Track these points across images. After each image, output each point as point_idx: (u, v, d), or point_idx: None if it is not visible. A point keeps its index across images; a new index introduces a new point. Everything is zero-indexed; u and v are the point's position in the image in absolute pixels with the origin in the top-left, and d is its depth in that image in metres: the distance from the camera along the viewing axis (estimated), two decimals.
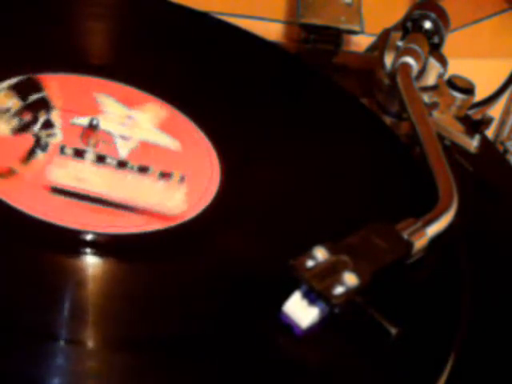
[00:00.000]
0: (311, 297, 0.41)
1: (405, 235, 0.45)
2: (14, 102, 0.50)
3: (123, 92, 0.54)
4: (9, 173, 0.46)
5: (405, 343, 0.43)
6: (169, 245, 0.46)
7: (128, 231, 0.45)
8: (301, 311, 0.41)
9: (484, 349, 0.49)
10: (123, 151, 0.50)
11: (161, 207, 0.47)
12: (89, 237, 0.44)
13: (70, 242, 0.44)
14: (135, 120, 0.52)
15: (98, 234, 0.44)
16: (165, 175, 0.49)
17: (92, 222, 0.45)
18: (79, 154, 0.48)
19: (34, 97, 0.51)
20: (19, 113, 0.50)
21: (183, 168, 0.50)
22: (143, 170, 0.49)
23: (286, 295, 0.41)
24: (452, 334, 0.45)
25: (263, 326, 0.42)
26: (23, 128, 0.49)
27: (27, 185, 0.46)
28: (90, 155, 0.48)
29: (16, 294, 0.40)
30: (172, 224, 0.46)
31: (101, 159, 0.48)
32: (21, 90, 0.51)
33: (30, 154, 0.48)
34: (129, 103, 0.53)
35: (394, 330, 0.41)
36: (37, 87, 0.52)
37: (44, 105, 0.51)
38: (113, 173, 0.48)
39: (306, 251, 0.41)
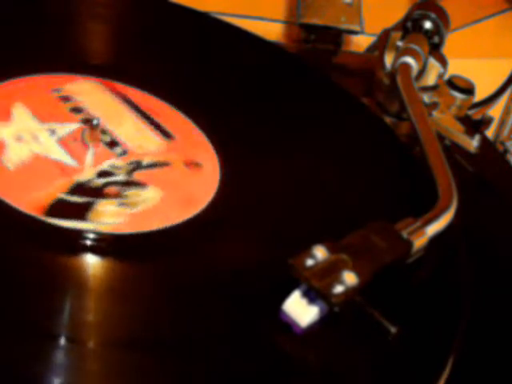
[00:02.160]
0: (311, 296, 0.41)
1: (404, 234, 0.45)
2: None
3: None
4: None
5: (404, 343, 0.43)
6: (169, 245, 0.46)
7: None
8: (300, 310, 0.41)
9: (484, 349, 0.49)
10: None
11: None
12: (89, 237, 0.44)
13: (71, 242, 0.44)
14: None
15: (98, 234, 0.44)
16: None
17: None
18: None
19: None
20: None
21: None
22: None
23: (286, 294, 0.41)
24: (452, 334, 0.45)
25: (263, 324, 0.42)
26: None
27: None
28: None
29: (16, 294, 0.40)
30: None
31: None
32: None
33: None
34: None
35: (393, 329, 0.41)
36: None
37: None
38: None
39: (306, 250, 0.41)
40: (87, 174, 0.48)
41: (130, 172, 0.49)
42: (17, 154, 0.48)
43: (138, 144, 0.51)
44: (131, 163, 0.49)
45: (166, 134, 0.53)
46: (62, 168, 0.48)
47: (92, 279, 0.43)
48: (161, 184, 0.49)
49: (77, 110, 0.52)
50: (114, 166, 0.49)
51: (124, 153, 0.50)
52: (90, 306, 0.41)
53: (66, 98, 0.53)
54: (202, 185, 0.50)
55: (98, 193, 0.47)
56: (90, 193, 0.47)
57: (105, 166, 0.49)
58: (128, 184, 0.48)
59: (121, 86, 0.55)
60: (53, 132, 0.50)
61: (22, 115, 0.50)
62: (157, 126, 0.53)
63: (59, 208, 0.45)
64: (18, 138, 0.49)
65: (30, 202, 0.45)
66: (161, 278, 0.44)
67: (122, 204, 0.46)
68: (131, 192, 0.47)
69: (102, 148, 0.50)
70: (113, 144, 0.50)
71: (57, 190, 0.46)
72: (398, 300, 0.45)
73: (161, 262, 0.45)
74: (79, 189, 0.47)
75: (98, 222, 0.45)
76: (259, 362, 0.41)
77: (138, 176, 0.49)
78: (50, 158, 0.48)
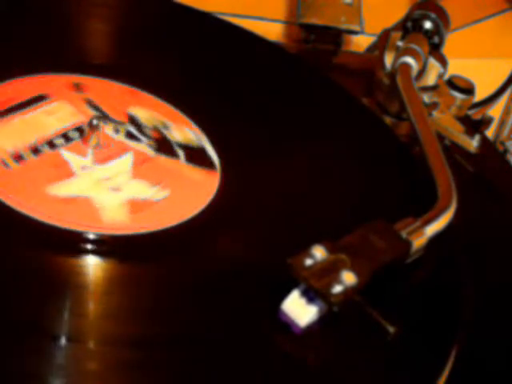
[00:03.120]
0: (310, 295, 0.41)
1: (403, 234, 0.45)
2: None
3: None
4: None
5: (404, 343, 0.43)
6: (169, 245, 0.46)
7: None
8: (299, 310, 0.41)
9: (484, 349, 0.49)
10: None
11: None
12: (89, 237, 0.44)
13: (71, 242, 0.44)
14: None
15: (98, 235, 0.44)
16: None
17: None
18: None
19: None
20: None
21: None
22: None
23: (285, 294, 0.41)
24: (451, 334, 0.45)
25: (262, 324, 0.42)
26: None
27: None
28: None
29: (16, 294, 0.41)
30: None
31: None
32: None
33: None
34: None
35: (392, 329, 0.41)
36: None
37: None
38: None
39: (305, 250, 0.41)
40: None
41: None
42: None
43: None
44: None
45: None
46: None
47: (92, 279, 0.43)
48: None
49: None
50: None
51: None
52: (90, 306, 0.41)
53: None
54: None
55: None
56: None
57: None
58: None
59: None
60: None
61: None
62: None
63: None
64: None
65: None
66: (160, 279, 0.44)
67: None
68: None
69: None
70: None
71: None
72: (398, 300, 0.45)
73: (160, 263, 0.45)
74: None
75: None
76: (258, 361, 0.41)
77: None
78: None
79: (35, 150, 0.48)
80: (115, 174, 0.49)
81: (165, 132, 0.53)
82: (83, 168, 0.48)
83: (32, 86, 0.53)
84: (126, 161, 0.50)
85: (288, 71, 0.63)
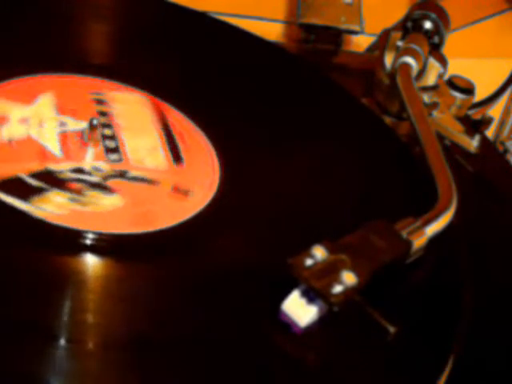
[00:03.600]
0: (310, 295, 0.41)
1: (404, 234, 0.45)
2: None
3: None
4: None
5: (404, 343, 0.43)
6: (169, 245, 0.46)
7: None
8: (299, 310, 0.41)
9: (484, 349, 0.49)
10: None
11: None
12: (89, 237, 0.44)
13: (71, 242, 0.44)
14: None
15: (98, 234, 0.44)
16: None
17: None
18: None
19: None
20: None
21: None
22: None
23: (285, 294, 0.41)
24: (451, 334, 0.45)
25: (262, 324, 0.42)
26: None
27: None
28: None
29: (16, 294, 0.41)
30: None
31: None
32: None
33: None
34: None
35: (392, 329, 0.41)
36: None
37: None
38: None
39: (305, 250, 0.41)
40: (62, 166, 0.47)
41: (106, 177, 0.48)
42: (11, 132, 0.48)
43: (139, 158, 0.50)
44: (117, 171, 0.49)
45: (176, 158, 0.52)
46: (44, 155, 0.48)
47: (92, 279, 0.43)
48: (129, 197, 0.48)
49: (102, 113, 0.52)
50: (96, 168, 0.48)
51: (118, 160, 0.49)
52: (90, 307, 0.41)
53: (100, 102, 0.53)
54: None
55: (59, 183, 0.46)
56: (51, 181, 0.46)
57: (87, 165, 0.48)
58: (95, 186, 0.47)
59: (165, 106, 0.55)
60: (62, 124, 0.50)
61: (44, 103, 0.51)
62: (173, 149, 0.52)
63: (12, 185, 0.45)
64: (23, 121, 0.49)
65: None
66: (160, 279, 0.44)
67: (73, 199, 0.46)
68: (92, 193, 0.47)
69: (101, 150, 0.50)
70: (113, 150, 0.50)
71: (22, 169, 0.46)
72: (398, 300, 0.45)
73: (160, 262, 0.45)
74: (44, 175, 0.46)
75: (36, 206, 0.44)
76: (258, 361, 0.41)
77: (112, 183, 0.48)
78: (39, 143, 0.48)
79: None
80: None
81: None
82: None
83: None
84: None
85: (288, 71, 0.63)
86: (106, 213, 0.46)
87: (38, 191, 0.45)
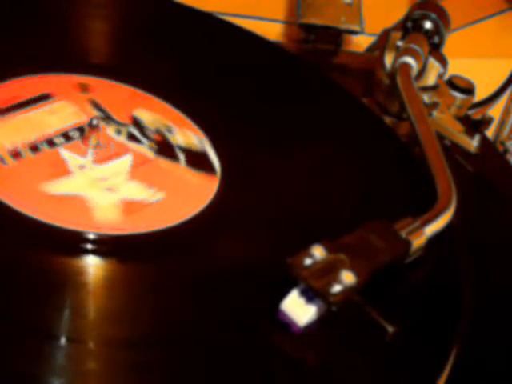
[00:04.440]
0: (309, 295, 0.41)
1: (403, 234, 0.45)
2: None
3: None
4: None
5: (404, 343, 0.43)
6: (169, 245, 0.46)
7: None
8: (298, 309, 0.41)
9: (484, 348, 0.49)
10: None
11: None
12: (89, 237, 0.44)
13: (71, 242, 0.44)
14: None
15: (98, 235, 0.44)
16: None
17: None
18: None
19: None
20: None
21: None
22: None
23: (284, 294, 0.41)
24: (451, 334, 0.45)
25: (261, 324, 0.42)
26: None
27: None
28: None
29: (16, 294, 0.41)
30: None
31: None
32: None
33: None
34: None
35: (391, 329, 0.41)
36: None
37: None
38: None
39: (304, 249, 0.41)
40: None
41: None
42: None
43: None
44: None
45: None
46: None
47: (91, 280, 0.43)
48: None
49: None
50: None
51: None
52: (90, 306, 0.41)
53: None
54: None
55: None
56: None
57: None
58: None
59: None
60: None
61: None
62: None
63: None
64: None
65: None
66: (160, 279, 0.44)
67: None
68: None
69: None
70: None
71: None
72: (397, 300, 0.45)
73: (159, 263, 0.45)
74: None
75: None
76: (258, 361, 0.41)
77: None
78: None
79: (34, 148, 0.48)
80: (113, 174, 0.49)
81: (167, 135, 0.52)
82: (81, 167, 0.48)
83: (36, 86, 0.53)
84: (124, 162, 0.50)
85: (288, 71, 0.63)
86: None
87: None
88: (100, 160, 0.49)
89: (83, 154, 0.49)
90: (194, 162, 0.51)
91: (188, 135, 0.53)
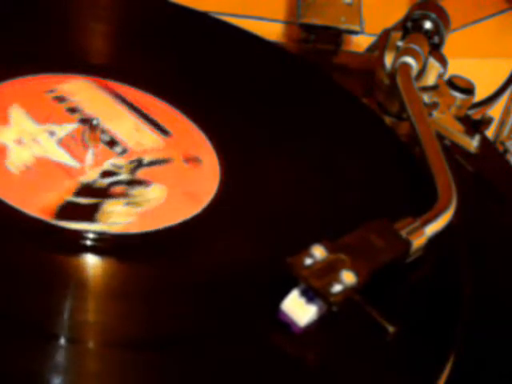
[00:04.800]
0: (309, 295, 0.41)
1: (403, 234, 0.45)
2: None
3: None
4: None
5: (404, 343, 0.43)
6: (169, 244, 0.46)
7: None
8: (299, 309, 0.41)
9: (484, 348, 0.49)
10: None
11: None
12: (89, 237, 0.44)
13: (71, 241, 0.44)
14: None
15: (98, 234, 0.44)
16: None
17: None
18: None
19: None
20: None
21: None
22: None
23: (284, 293, 0.41)
24: (452, 334, 0.45)
25: (261, 324, 0.42)
26: None
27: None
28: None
29: (17, 294, 0.41)
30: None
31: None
32: None
33: None
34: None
35: (391, 329, 0.41)
36: None
37: None
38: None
39: (304, 249, 0.41)
40: (91, 175, 0.48)
41: (132, 171, 0.49)
42: (19, 158, 0.48)
43: (136, 141, 0.51)
44: (132, 161, 0.49)
45: (163, 131, 0.53)
46: (65, 170, 0.48)
47: (94, 279, 0.43)
48: (164, 181, 0.49)
49: (73, 109, 0.52)
50: (115, 166, 0.49)
51: (124, 151, 0.50)
52: (91, 306, 0.41)
53: (61, 99, 0.53)
54: (202, 182, 0.50)
55: (104, 193, 0.47)
56: (96, 194, 0.47)
57: (107, 165, 0.49)
58: (132, 183, 0.48)
59: (113, 84, 0.55)
60: (52, 133, 0.50)
61: (19, 117, 0.50)
62: (153, 124, 0.53)
63: (68, 210, 0.45)
64: (19, 142, 0.49)
65: (39, 205, 0.45)
66: (160, 279, 0.44)
67: (128, 204, 0.46)
68: (136, 191, 0.47)
69: (102, 147, 0.50)
70: (112, 143, 0.50)
71: (64, 192, 0.46)
72: (397, 300, 0.45)
73: (159, 262, 0.45)
74: (85, 190, 0.47)
75: (106, 222, 0.45)
76: (258, 361, 0.41)
77: (141, 174, 0.49)
78: (51, 160, 0.48)
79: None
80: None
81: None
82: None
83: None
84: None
85: (288, 71, 0.63)
86: (164, 204, 0.47)
87: (95, 207, 0.46)
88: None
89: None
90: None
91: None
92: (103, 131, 0.51)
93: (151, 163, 0.50)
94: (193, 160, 0.51)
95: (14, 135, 0.49)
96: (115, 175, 0.48)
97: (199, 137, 0.53)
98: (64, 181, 0.47)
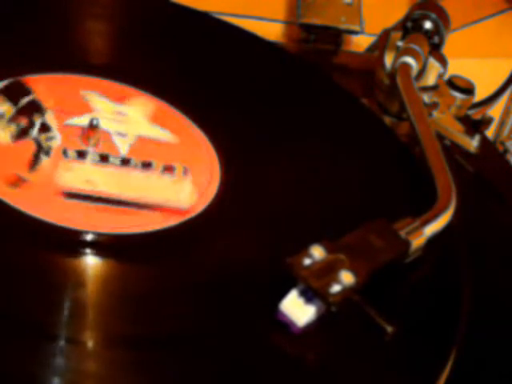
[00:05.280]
0: (308, 295, 0.41)
1: (402, 234, 0.45)
2: (6, 108, 0.50)
3: (121, 92, 0.55)
4: (18, 181, 0.46)
5: (404, 343, 0.43)
6: (169, 244, 0.46)
7: (129, 231, 0.45)
8: (298, 309, 0.41)
9: (484, 348, 0.49)
10: (123, 148, 0.50)
11: (173, 202, 0.47)
12: (89, 237, 0.44)
13: (71, 242, 0.44)
14: (127, 115, 0.52)
15: (98, 234, 0.44)
16: (167, 168, 0.49)
17: (93, 222, 0.45)
18: (82, 155, 0.48)
19: (24, 100, 0.51)
20: (14, 118, 0.50)
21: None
22: (146, 165, 0.49)
23: (283, 294, 0.41)
24: (452, 334, 0.45)
25: (260, 324, 0.42)
26: (21, 134, 0.49)
27: (39, 191, 0.46)
28: (92, 156, 0.48)
29: (16, 295, 0.41)
30: (172, 223, 0.46)
31: (104, 159, 0.48)
32: (10, 94, 0.51)
33: (35, 159, 0.48)
34: (120, 100, 0.54)
35: (390, 329, 0.41)
36: (25, 90, 0.52)
37: (36, 108, 0.51)
38: (118, 171, 0.48)
39: (304, 249, 0.41)
40: None
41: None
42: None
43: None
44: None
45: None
46: None
47: (91, 279, 0.43)
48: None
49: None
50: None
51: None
52: (90, 306, 0.41)
53: None
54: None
55: None
56: None
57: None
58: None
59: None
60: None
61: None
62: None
63: None
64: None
65: None
66: (160, 278, 0.44)
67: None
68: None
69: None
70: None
71: None
72: (397, 300, 0.45)
73: (159, 262, 0.45)
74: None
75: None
76: (257, 362, 0.41)
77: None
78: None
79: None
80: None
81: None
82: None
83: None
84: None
85: (288, 71, 0.63)
86: None
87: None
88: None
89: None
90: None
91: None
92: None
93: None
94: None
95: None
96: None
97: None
98: None
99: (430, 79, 0.63)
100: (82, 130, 0.50)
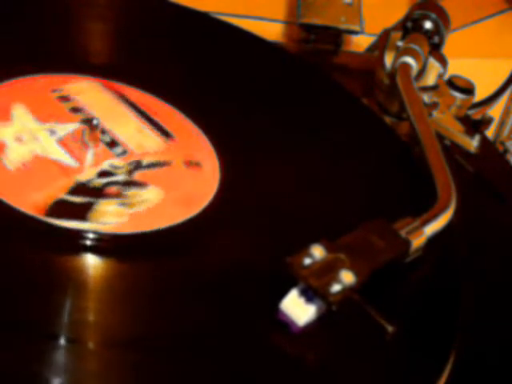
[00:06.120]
0: (308, 294, 0.41)
1: (403, 234, 0.45)
2: None
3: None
4: None
5: (404, 343, 0.43)
6: (168, 245, 0.46)
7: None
8: (298, 309, 0.41)
9: (484, 348, 0.49)
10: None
11: None
12: (89, 237, 0.44)
13: (71, 242, 0.44)
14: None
15: (98, 234, 0.44)
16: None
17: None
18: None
19: None
20: None
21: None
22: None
23: (283, 293, 0.41)
24: (452, 334, 0.45)
25: (260, 324, 0.42)
26: None
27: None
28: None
29: (16, 294, 0.41)
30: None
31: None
32: None
33: None
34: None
35: (390, 328, 0.41)
36: None
37: None
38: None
39: (304, 249, 0.41)
40: (88, 174, 0.48)
41: (130, 172, 0.49)
42: (17, 155, 0.48)
43: (137, 143, 0.51)
44: (131, 163, 0.49)
45: (165, 134, 0.53)
46: (62, 168, 0.48)
47: (92, 279, 0.43)
48: (161, 184, 0.49)
49: (76, 109, 0.52)
50: (114, 166, 0.49)
51: (124, 152, 0.50)
52: (90, 306, 0.41)
53: (65, 98, 0.53)
54: (202, 184, 0.50)
55: (98, 193, 0.47)
56: (90, 193, 0.47)
57: (105, 165, 0.49)
58: (128, 184, 0.48)
59: (119, 86, 0.55)
60: (53, 132, 0.50)
61: (21, 115, 0.50)
62: (156, 126, 0.53)
63: (60, 208, 0.45)
64: (18, 139, 0.49)
65: (31, 202, 0.45)
66: (160, 278, 0.44)
67: (122, 204, 0.46)
68: (132, 192, 0.47)
69: (102, 148, 0.50)
70: (113, 144, 0.50)
71: (57, 190, 0.46)
72: (397, 300, 0.45)
73: (160, 262, 0.45)
74: (80, 189, 0.47)
75: (98, 221, 0.45)
76: (257, 361, 0.41)
77: (138, 176, 0.49)
78: (49, 158, 0.48)
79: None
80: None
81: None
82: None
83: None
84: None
85: (288, 71, 0.63)
86: (157, 206, 0.47)
87: (88, 207, 0.46)
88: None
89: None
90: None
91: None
92: (104, 132, 0.51)
93: (150, 165, 0.50)
94: (193, 164, 0.51)
95: (14, 132, 0.49)
96: (112, 175, 0.48)
97: (199, 137, 0.53)
98: (60, 179, 0.47)
99: (430, 79, 0.63)
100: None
